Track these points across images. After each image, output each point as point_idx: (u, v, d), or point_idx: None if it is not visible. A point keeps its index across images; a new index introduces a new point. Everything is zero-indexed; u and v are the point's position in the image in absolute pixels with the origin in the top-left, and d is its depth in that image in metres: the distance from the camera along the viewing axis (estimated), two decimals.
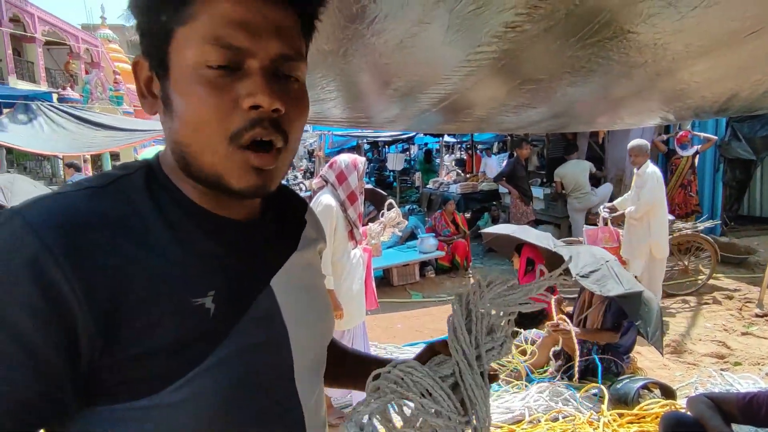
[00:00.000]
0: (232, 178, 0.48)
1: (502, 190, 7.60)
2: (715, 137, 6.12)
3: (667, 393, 2.69)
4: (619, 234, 4.41)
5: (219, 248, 0.52)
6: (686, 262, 5.08)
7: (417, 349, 3.74)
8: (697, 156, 6.18)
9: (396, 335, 4.18)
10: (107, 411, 0.46)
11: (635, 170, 4.19)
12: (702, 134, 6.07)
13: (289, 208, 0.66)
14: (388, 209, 4.79)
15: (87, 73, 14.16)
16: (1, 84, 11.48)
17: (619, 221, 4.47)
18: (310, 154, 16.36)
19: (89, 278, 0.42)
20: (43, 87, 13.04)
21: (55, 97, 9.37)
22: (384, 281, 5.52)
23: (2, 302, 0.39)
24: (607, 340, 2.91)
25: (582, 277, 2.88)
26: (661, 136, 6.46)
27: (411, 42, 1.00)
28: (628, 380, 2.72)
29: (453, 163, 12.38)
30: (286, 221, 0.64)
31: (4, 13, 12.50)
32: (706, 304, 4.62)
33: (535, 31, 0.92)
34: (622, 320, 2.87)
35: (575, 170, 6.02)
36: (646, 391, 2.67)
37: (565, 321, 3.00)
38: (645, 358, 3.40)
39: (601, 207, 4.79)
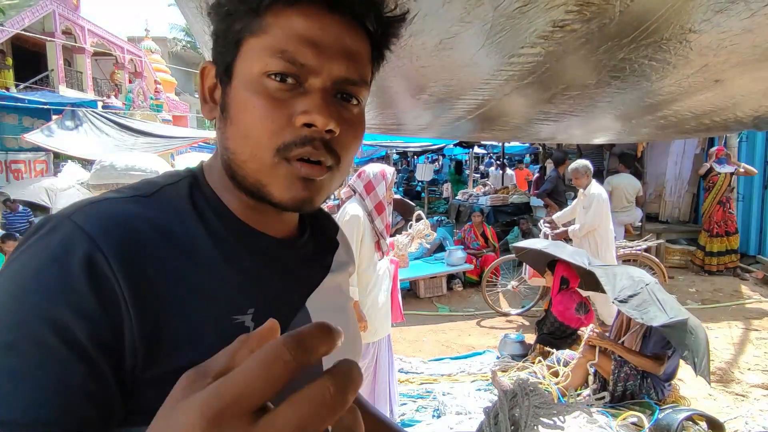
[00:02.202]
0: (275, 188, 0.47)
1: (535, 203, 7.41)
2: (755, 171, 5.85)
3: (715, 426, 2.49)
4: None
5: (259, 264, 0.51)
6: None
7: (443, 365, 3.66)
8: (734, 176, 5.91)
9: (422, 349, 4.08)
10: None
11: (581, 190, 4.28)
12: (743, 165, 5.77)
13: (323, 229, 0.65)
14: (417, 221, 4.74)
15: (130, 82, 14.82)
16: (52, 92, 12.15)
17: (561, 237, 4.51)
18: None
19: (138, 283, 0.41)
20: (90, 95, 13.70)
21: (99, 105, 9.84)
22: (410, 293, 5.44)
23: (55, 303, 0.38)
24: (649, 369, 2.72)
25: (621, 302, 2.71)
26: (704, 165, 6.19)
27: (450, 43, 0.95)
28: (670, 410, 2.53)
29: (501, 176, 11.47)
30: (320, 242, 0.62)
31: (58, 25, 13.25)
32: (755, 330, 4.32)
33: (586, 30, 0.85)
34: (666, 350, 2.68)
35: (627, 185, 5.84)
36: (690, 423, 2.48)
37: (605, 341, 2.84)
38: (688, 386, 3.18)
39: (541, 222, 4.84)
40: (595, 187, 4.14)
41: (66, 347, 0.38)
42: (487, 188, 9.15)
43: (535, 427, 0.77)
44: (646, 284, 2.82)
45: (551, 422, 0.77)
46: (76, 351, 0.38)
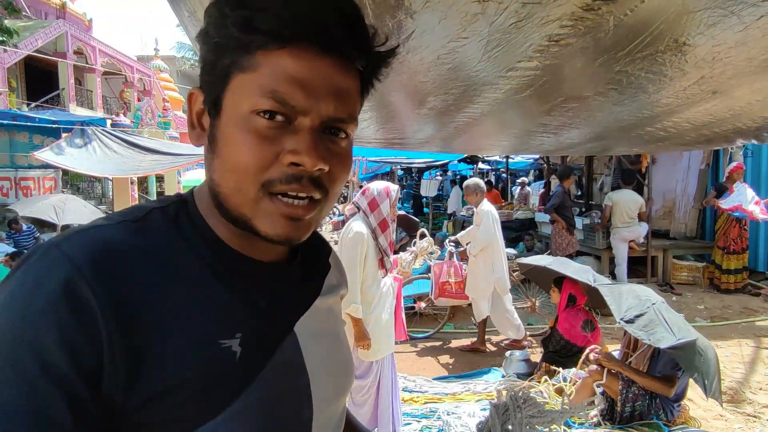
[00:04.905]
0: (259, 224, 0.47)
1: (540, 218, 7.39)
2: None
3: None
4: (463, 268, 4.47)
5: (247, 289, 0.50)
6: (534, 299, 4.84)
7: (448, 383, 3.59)
8: None
9: (426, 367, 4.02)
10: None
11: (474, 208, 4.32)
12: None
13: (314, 252, 0.65)
14: (421, 238, 4.73)
15: (139, 100, 15.10)
16: (63, 110, 12.39)
17: (465, 256, 4.55)
18: None
19: (120, 306, 0.41)
20: (99, 113, 13.96)
21: (108, 122, 10.00)
22: (414, 310, 5.38)
23: (37, 331, 0.38)
24: (659, 391, 2.65)
25: (627, 322, 2.66)
26: (711, 193, 6.06)
27: (448, 58, 0.97)
28: None
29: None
30: (310, 265, 0.62)
31: (70, 46, 13.60)
32: (767, 349, 4.23)
33: (581, 44, 0.86)
34: (675, 371, 2.61)
35: (627, 200, 5.81)
36: None
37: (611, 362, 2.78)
38: (698, 406, 3.11)
39: (446, 240, 4.88)
40: (485, 204, 4.22)
41: (47, 377, 0.38)
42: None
43: None
44: (653, 303, 2.77)
45: (546, 430, 0.77)
46: (57, 381, 0.38)
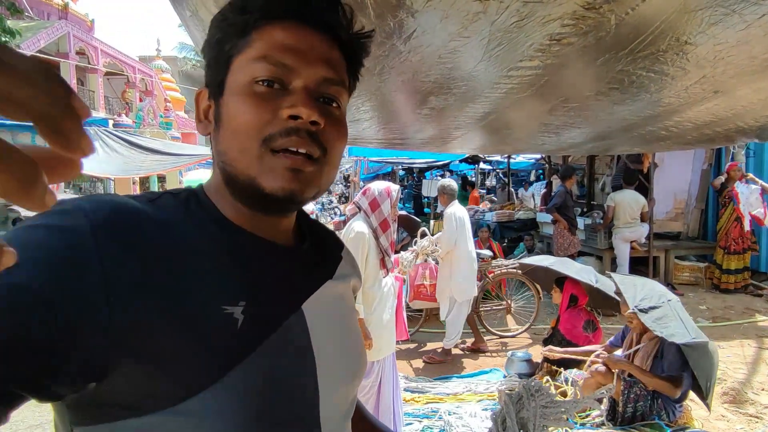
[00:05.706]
0: (264, 180, 0.49)
1: (542, 218, 7.37)
2: None
3: None
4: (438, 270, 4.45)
5: (254, 263, 0.52)
6: (509, 301, 4.86)
7: (449, 383, 3.59)
8: None
9: (427, 368, 4.02)
10: (110, 428, 0.43)
11: (445, 209, 4.30)
12: (759, 181, 5.66)
13: (325, 244, 0.66)
14: (421, 237, 4.73)
15: (141, 101, 15.13)
16: None
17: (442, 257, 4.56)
18: (346, 179, 16.59)
19: (120, 257, 0.42)
20: (101, 114, 13.98)
21: (110, 123, 10.02)
22: (415, 310, 5.38)
23: (24, 255, 0.37)
24: (666, 391, 2.64)
25: (641, 311, 2.63)
26: (719, 177, 6.10)
27: (449, 58, 0.97)
28: None
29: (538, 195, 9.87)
30: (320, 253, 0.63)
31: (72, 46, 13.63)
32: None
33: (582, 43, 0.86)
34: (681, 373, 2.60)
35: (630, 200, 5.81)
36: None
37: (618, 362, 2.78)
38: (700, 407, 3.10)
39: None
40: (453, 206, 4.14)
41: (8, 289, 0.35)
42: (492, 204, 9.15)
43: (545, 428, 0.78)
44: (669, 300, 2.74)
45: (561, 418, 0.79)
46: (21, 297, 0.36)
